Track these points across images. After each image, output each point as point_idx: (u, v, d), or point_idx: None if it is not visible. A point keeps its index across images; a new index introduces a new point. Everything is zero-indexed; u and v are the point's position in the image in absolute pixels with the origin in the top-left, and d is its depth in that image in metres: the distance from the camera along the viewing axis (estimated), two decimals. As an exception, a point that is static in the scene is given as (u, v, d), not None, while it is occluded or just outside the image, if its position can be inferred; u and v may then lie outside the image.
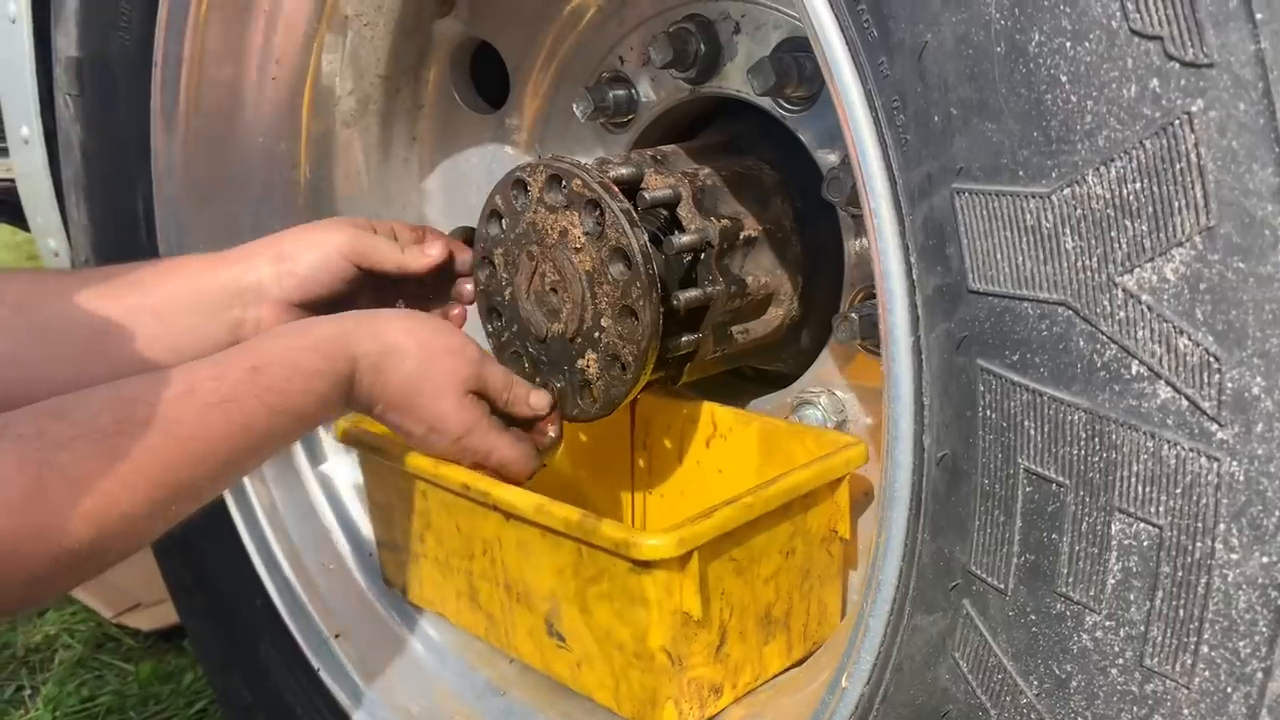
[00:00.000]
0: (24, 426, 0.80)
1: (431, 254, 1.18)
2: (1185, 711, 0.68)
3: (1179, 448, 0.66)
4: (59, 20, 1.47)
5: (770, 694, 1.10)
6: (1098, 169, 0.66)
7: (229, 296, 1.10)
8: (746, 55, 1.16)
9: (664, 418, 1.31)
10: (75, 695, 2.04)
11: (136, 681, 2.08)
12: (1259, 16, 0.59)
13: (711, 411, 1.27)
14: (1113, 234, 0.66)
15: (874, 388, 1.16)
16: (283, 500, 1.51)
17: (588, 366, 1.10)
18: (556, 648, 1.13)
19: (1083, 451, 0.70)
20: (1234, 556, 0.65)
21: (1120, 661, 0.70)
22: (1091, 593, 0.71)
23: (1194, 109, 0.62)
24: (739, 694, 1.08)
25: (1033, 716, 0.75)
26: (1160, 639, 0.68)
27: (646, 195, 1.08)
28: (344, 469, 1.53)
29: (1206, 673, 0.67)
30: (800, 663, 1.14)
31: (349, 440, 1.28)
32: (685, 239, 1.08)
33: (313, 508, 1.52)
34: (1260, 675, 0.65)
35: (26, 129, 1.65)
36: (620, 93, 1.28)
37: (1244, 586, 0.65)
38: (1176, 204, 0.63)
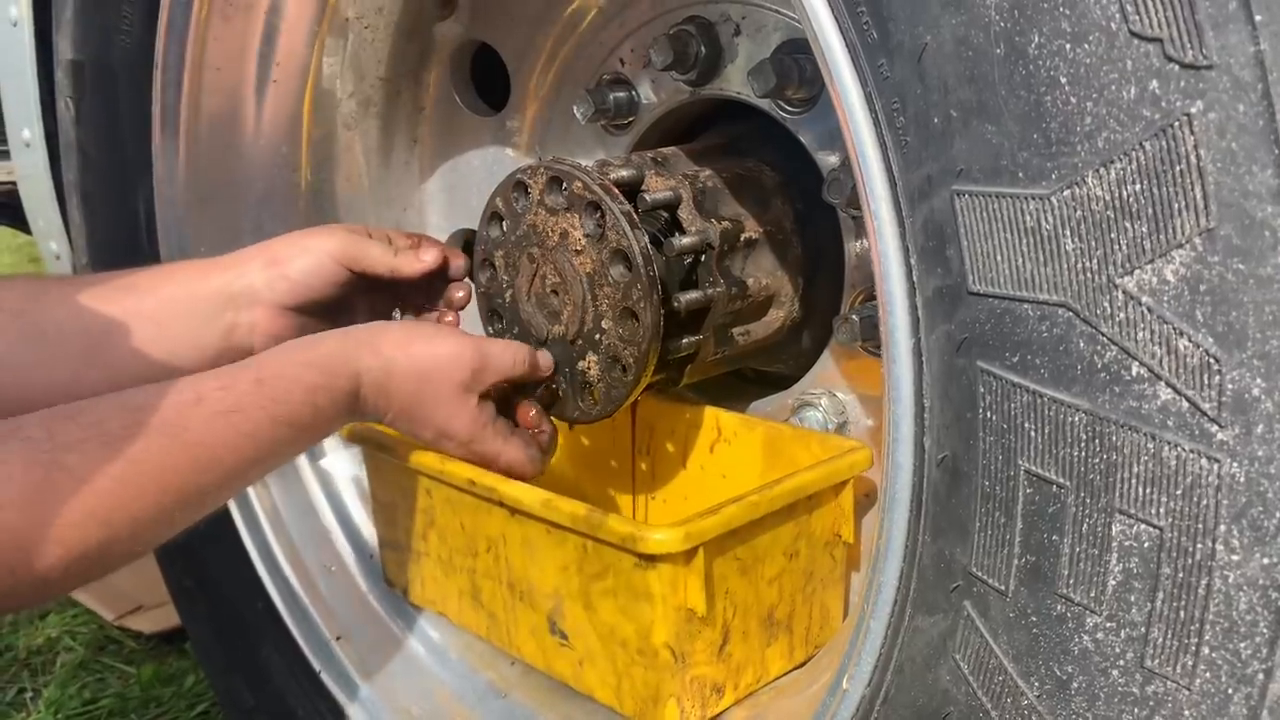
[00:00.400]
0: (33, 429, 0.81)
1: (425, 259, 1.18)
2: (1186, 713, 0.68)
3: (1179, 449, 0.66)
4: (60, 23, 1.47)
5: (771, 695, 1.10)
6: (1097, 171, 0.66)
7: (223, 301, 1.11)
8: (747, 57, 1.16)
9: (667, 422, 1.31)
10: (77, 698, 2.04)
11: (138, 684, 2.08)
12: (1258, 18, 0.59)
13: (716, 416, 1.27)
14: (1113, 235, 0.66)
15: (875, 389, 1.17)
16: (283, 502, 1.51)
17: (589, 368, 1.10)
18: (559, 646, 1.13)
19: (1083, 453, 0.70)
20: (1235, 558, 0.65)
21: (1121, 663, 0.70)
22: (1092, 594, 0.71)
23: (1193, 110, 0.62)
24: (740, 695, 1.09)
25: (1034, 718, 0.75)
26: (1161, 640, 0.68)
27: (647, 197, 1.08)
28: (342, 464, 1.53)
29: (1207, 674, 0.67)
30: (801, 665, 1.14)
31: (354, 438, 1.28)
32: (686, 241, 1.08)
33: (313, 508, 1.52)
34: (1261, 676, 0.65)
35: (28, 132, 1.66)
36: (621, 95, 1.28)
37: (1245, 588, 0.65)
38: (1176, 206, 0.63)
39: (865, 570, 1.16)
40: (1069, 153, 0.67)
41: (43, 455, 0.79)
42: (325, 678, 1.44)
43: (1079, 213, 0.67)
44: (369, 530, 1.50)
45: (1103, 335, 0.67)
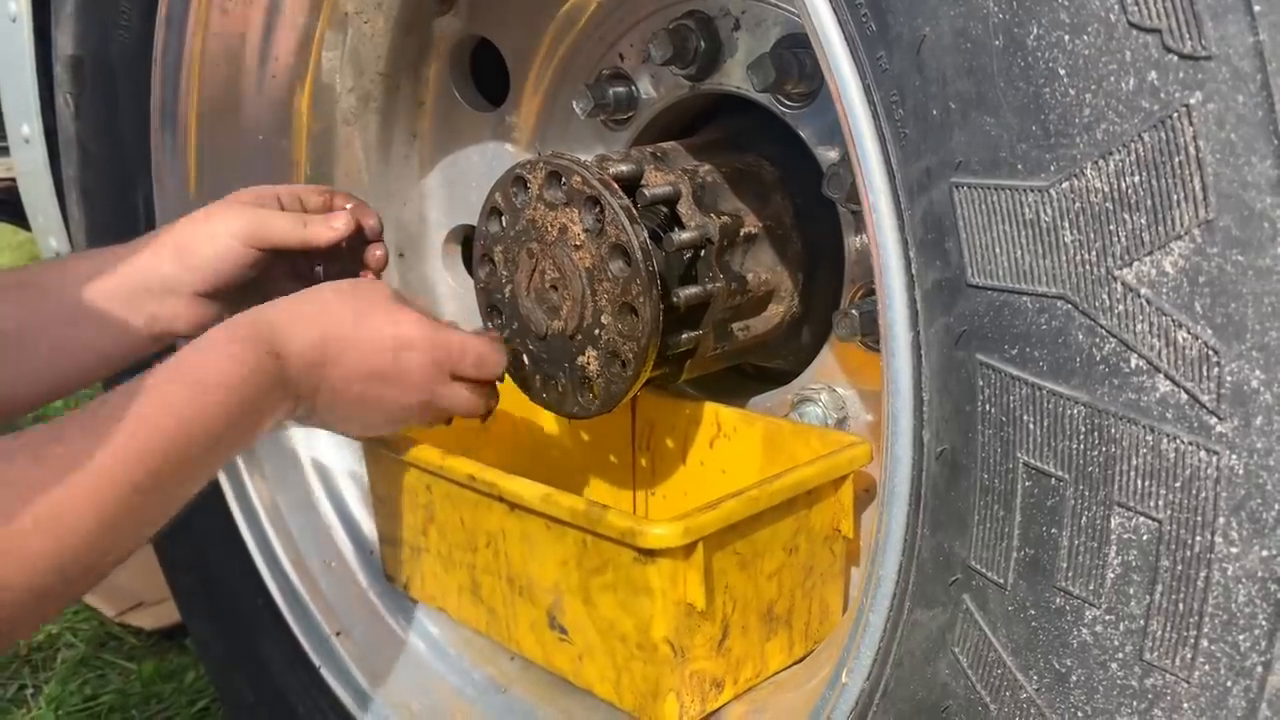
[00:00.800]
0: None
1: (337, 227, 1.17)
2: (1185, 705, 0.68)
3: (1178, 441, 0.66)
4: (59, 19, 1.47)
5: (770, 690, 1.10)
6: (1096, 162, 0.66)
7: (140, 293, 1.11)
8: (746, 52, 1.16)
9: (667, 418, 1.31)
10: (78, 694, 2.05)
11: (139, 680, 2.08)
12: (1257, 9, 0.59)
13: (715, 412, 1.27)
14: (1111, 227, 0.66)
15: (874, 384, 1.17)
16: (283, 498, 1.51)
17: (588, 364, 1.10)
18: (558, 641, 1.13)
19: (1082, 445, 0.70)
20: (1233, 550, 0.65)
21: (1120, 656, 0.70)
22: (1091, 587, 0.71)
23: (1193, 101, 0.61)
24: (740, 690, 1.09)
25: (1032, 711, 0.75)
26: (1160, 633, 0.68)
27: (646, 192, 1.08)
28: (340, 459, 1.54)
29: (1206, 666, 0.67)
30: (801, 660, 1.14)
31: None
32: (685, 236, 1.08)
33: (312, 503, 1.52)
34: (1260, 669, 0.65)
35: (27, 128, 1.66)
36: (620, 90, 1.28)
37: (1243, 580, 0.64)
38: (1175, 197, 0.63)
39: (865, 565, 1.16)
40: (1068, 144, 0.67)
41: None
42: (325, 673, 1.44)
43: (1078, 205, 0.67)
44: (368, 526, 1.50)
45: (1101, 327, 0.67)
